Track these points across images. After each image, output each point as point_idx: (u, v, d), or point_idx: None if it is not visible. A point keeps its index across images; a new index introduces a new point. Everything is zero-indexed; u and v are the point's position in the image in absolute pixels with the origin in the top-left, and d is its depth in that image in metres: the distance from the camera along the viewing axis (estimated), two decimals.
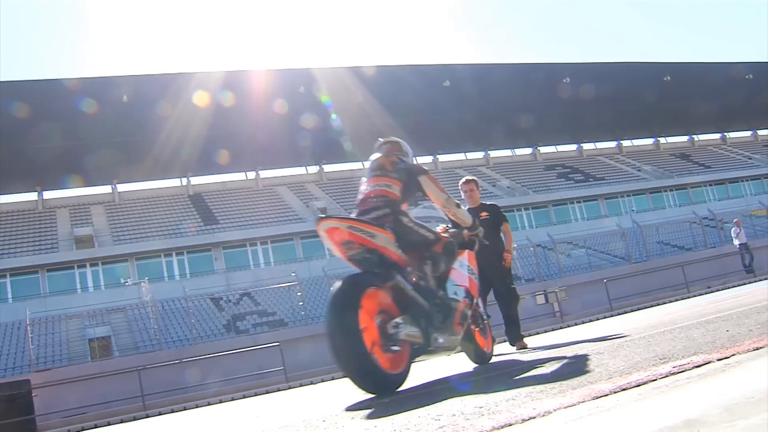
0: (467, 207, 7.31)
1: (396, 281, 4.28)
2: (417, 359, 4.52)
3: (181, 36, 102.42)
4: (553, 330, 16.52)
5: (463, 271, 5.17)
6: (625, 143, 52.08)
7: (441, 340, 4.51)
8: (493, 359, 5.96)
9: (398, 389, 4.07)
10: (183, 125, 32.71)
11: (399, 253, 4.40)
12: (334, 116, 36.28)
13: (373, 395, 3.99)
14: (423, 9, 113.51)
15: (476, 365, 5.48)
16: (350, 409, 3.73)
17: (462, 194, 7.70)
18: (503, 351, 6.99)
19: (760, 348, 2.95)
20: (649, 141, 53.62)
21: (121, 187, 38.64)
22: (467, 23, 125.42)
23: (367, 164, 4.92)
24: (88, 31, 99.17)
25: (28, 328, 20.89)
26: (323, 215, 4.56)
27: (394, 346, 4.12)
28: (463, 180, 7.87)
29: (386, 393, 3.95)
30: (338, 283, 4.04)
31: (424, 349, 4.43)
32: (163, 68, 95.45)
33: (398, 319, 4.16)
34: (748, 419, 1.72)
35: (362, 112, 35.85)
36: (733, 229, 24.38)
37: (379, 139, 5.22)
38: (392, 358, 4.09)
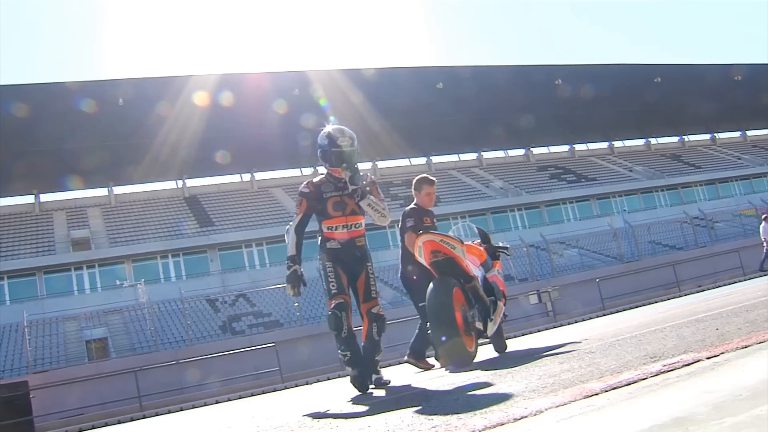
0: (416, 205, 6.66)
1: (474, 283, 5.66)
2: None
3: (178, 39, 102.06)
4: (546, 329, 16.60)
5: (501, 278, 6.62)
6: (617, 144, 51.89)
7: (493, 330, 5.95)
8: (484, 359, 6.25)
9: (473, 362, 5.41)
10: (178, 128, 32.52)
11: (467, 262, 5.65)
12: (332, 118, 36.17)
13: (451, 368, 5.25)
14: (416, 11, 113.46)
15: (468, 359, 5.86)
16: (344, 409, 3.78)
17: (424, 197, 6.70)
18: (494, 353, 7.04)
19: (748, 346, 3.00)
20: (641, 142, 53.46)
21: (117, 190, 38.35)
22: (460, 25, 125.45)
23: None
24: (84, 34, 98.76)
25: (26, 330, 20.80)
26: (422, 231, 5.98)
27: (471, 331, 5.55)
28: (428, 182, 6.84)
29: (467, 367, 5.17)
30: (433, 284, 5.42)
31: (482, 335, 5.84)
32: (158, 71, 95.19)
33: (473, 312, 5.59)
34: (736, 416, 1.77)
35: (356, 114, 35.67)
36: (762, 225, 22.84)
37: None
38: (469, 340, 5.49)
